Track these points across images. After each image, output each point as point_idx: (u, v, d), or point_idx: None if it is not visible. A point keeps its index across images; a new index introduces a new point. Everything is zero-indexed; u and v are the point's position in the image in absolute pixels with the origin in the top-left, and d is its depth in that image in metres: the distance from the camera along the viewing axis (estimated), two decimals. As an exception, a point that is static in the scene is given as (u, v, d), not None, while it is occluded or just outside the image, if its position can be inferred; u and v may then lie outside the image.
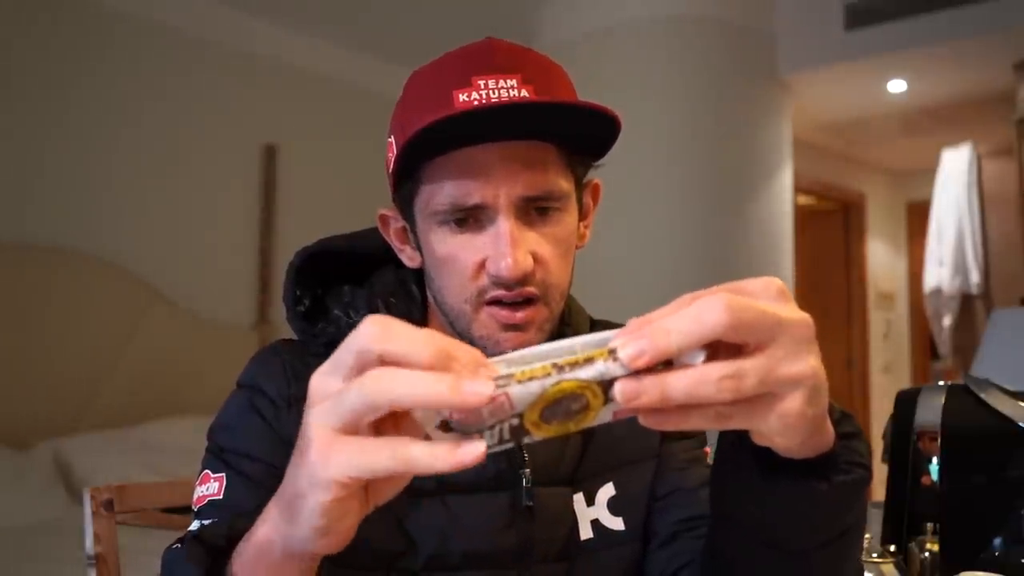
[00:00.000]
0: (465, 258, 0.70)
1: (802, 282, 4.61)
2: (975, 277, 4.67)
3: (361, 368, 0.41)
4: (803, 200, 5.30)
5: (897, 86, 4.14)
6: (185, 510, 1.10)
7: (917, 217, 5.77)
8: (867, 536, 0.91)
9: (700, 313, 0.40)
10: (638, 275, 3.42)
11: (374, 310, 0.79)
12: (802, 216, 4.89)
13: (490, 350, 0.71)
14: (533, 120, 0.68)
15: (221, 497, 0.71)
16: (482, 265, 0.70)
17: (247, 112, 3.68)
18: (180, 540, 0.66)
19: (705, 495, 0.79)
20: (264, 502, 0.51)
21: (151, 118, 3.36)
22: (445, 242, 0.71)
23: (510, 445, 0.44)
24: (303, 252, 0.82)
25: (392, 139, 0.74)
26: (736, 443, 0.55)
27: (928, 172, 5.07)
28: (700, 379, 0.40)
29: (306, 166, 3.88)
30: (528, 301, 0.71)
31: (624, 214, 3.42)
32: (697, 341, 0.40)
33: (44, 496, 2.54)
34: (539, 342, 0.71)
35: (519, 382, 0.40)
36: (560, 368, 0.41)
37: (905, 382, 5.72)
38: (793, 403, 0.43)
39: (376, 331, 0.41)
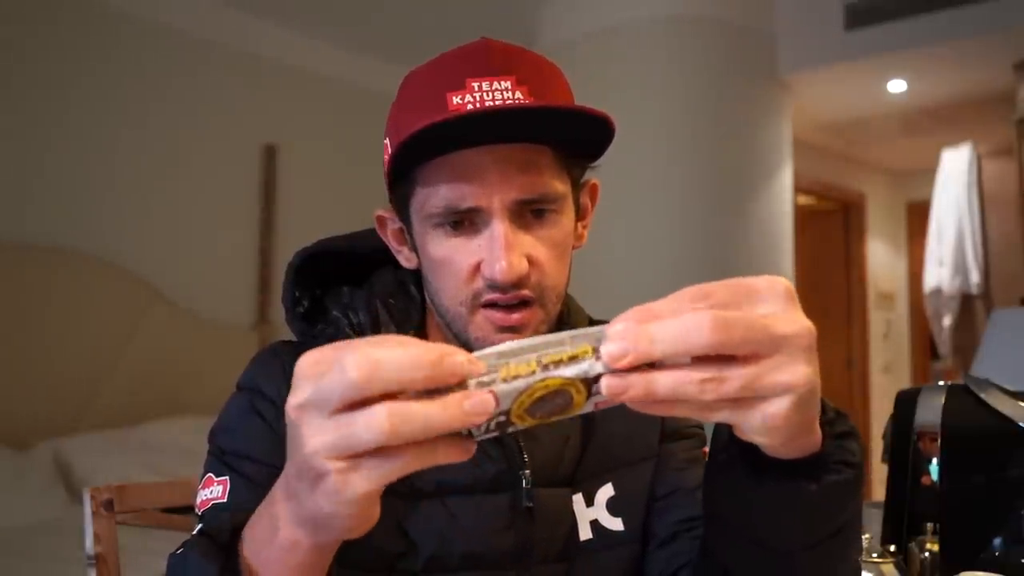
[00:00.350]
0: (460, 261, 0.70)
1: (802, 282, 4.61)
2: (975, 277, 4.67)
3: (348, 404, 0.41)
4: (803, 200, 5.30)
5: (897, 86, 4.14)
6: (185, 510, 1.10)
7: (917, 217, 5.77)
8: (867, 536, 0.91)
9: (686, 330, 0.41)
10: (638, 275, 3.42)
11: (373, 311, 0.79)
12: (802, 216, 4.89)
13: None
14: (527, 123, 0.68)
15: (225, 501, 0.71)
16: (477, 268, 0.70)
17: (247, 112, 3.68)
18: (183, 547, 0.66)
19: (704, 495, 0.80)
20: None
21: (151, 118, 3.36)
22: (440, 245, 0.71)
23: (495, 435, 0.45)
24: (302, 253, 0.81)
25: (388, 140, 0.74)
26: (727, 442, 0.55)
27: (928, 172, 5.07)
28: (684, 379, 0.42)
29: (306, 166, 3.88)
30: (523, 303, 0.71)
31: (624, 214, 3.42)
32: (681, 354, 0.42)
33: (44, 496, 2.55)
34: None
35: (504, 380, 0.42)
36: (545, 366, 0.42)
37: (905, 382, 5.72)
38: (779, 407, 0.43)
39: (364, 369, 0.41)
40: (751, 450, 0.50)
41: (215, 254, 3.56)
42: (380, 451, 0.42)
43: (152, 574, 1.68)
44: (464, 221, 0.70)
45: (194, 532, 0.69)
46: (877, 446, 1.29)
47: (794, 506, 0.52)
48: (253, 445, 0.74)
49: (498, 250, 0.68)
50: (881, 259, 5.89)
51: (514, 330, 0.71)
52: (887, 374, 5.73)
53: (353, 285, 0.82)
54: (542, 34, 3.87)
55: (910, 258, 6.01)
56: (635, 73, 3.61)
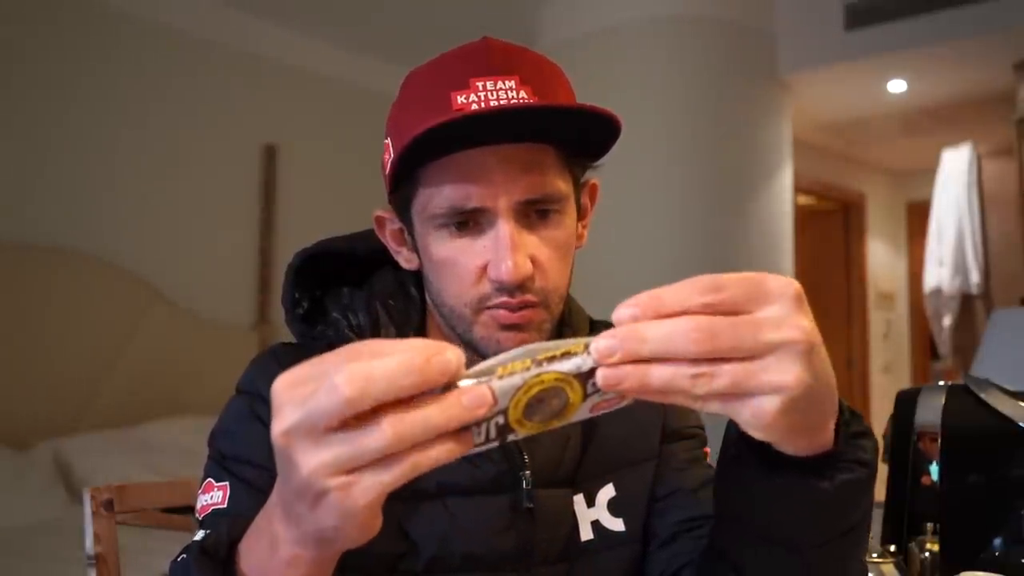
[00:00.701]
0: (465, 262, 0.70)
1: (802, 282, 4.52)
2: (975, 277, 4.67)
3: (342, 422, 0.41)
4: (803, 200, 5.30)
5: (897, 86, 4.14)
6: (185, 510, 1.10)
7: (917, 217, 5.77)
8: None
9: (676, 335, 0.42)
10: (638, 275, 3.41)
11: (372, 312, 0.79)
12: (802, 216, 4.89)
13: (491, 350, 0.71)
14: (533, 123, 0.68)
15: (225, 506, 0.71)
16: (483, 270, 0.70)
17: (247, 112, 3.68)
18: (185, 551, 0.66)
19: (705, 496, 0.80)
20: None
21: (151, 118, 3.36)
22: (444, 245, 0.71)
23: (496, 443, 0.45)
24: (302, 253, 0.81)
25: (389, 140, 0.73)
26: (737, 437, 0.55)
27: (928, 172, 5.07)
28: (677, 372, 0.43)
29: (306, 166, 3.88)
30: (527, 305, 0.70)
31: (624, 214, 3.42)
32: (668, 356, 0.43)
33: (44, 496, 2.55)
34: (538, 341, 0.72)
35: (500, 377, 0.42)
36: (539, 362, 0.43)
37: (905, 382, 5.72)
38: (768, 405, 0.44)
39: (356, 384, 0.40)
40: (763, 446, 0.50)
41: (215, 254, 3.56)
42: (379, 461, 0.41)
43: (152, 574, 1.69)
44: (469, 222, 0.70)
45: (195, 537, 0.69)
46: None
47: (806, 503, 0.52)
48: (253, 450, 0.73)
49: (504, 250, 0.68)
50: (881, 259, 5.89)
51: (518, 328, 0.71)
52: (887, 374, 5.73)
53: (353, 286, 0.82)
54: (542, 34, 3.87)
55: (910, 258, 6.01)
56: (635, 73, 3.61)
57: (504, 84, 0.68)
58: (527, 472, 0.75)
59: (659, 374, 0.43)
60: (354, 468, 0.41)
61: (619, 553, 0.79)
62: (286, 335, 0.83)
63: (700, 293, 0.44)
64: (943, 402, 1.08)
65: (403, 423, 0.41)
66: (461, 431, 0.43)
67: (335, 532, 0.44)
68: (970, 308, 4.76)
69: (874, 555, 0.91)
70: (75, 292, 3.02)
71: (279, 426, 0.42)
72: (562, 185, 0.71)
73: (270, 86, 3.77)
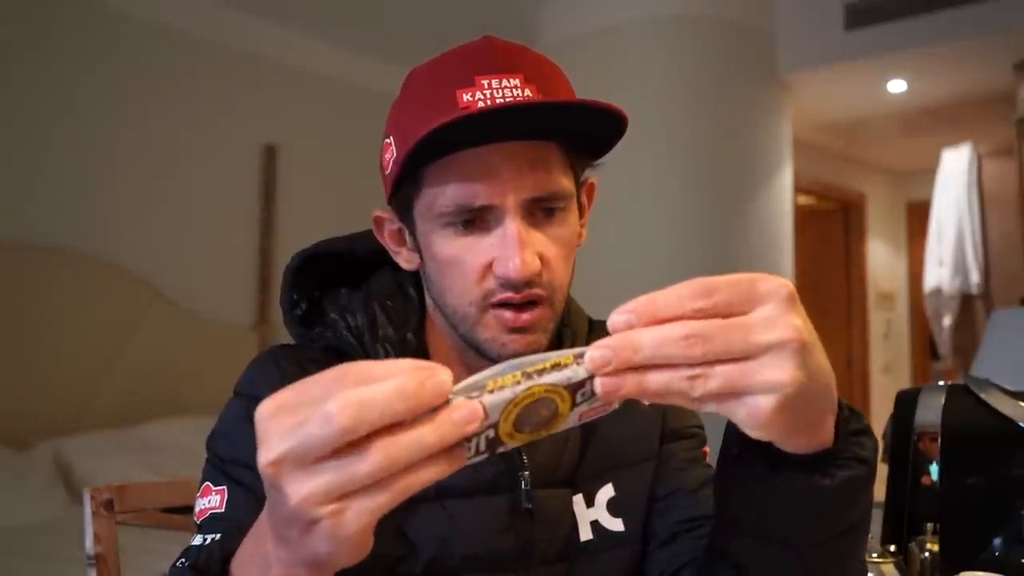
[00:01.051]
0: (471, 260, 0.70)
1: (802, 282, 4.61)
2: (975, 277, 4.67)
3: (335, 450, 0.40)
4: (803, 200, 5.30)
5: (897, 86, 4.14)
6: (185, 510, 1.10)
7: (917, 217, 5.77)
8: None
9: (668, 342, 0.43)
10: (638, 275, 3.41)
11: (370, 313, 0.78)
12: (802, 216, 4.89)
13: (496, 352, 0.71)
14: (540, 120, 0.68)
15: (223, 510, 0.71)
16: (488, 267, 0.70)
17: (247, 112, 3.68)
18: (184, 554, 0.66)
19: (704, 495, 0.80)
20: None
21: (151, 118, 3.36)
22: (449, 244, 0.70)
23: (485, 456, 0.45)
24: (300, 254, 0.81)
25: (390, 140, 0.73)
26: (740, 438, 0.55)
27: (928, 172, 5.07)
28: (673, 376, 0.44)
29: (306, 166, 3.88)
30: (533, 303, 0.70)
31: (624, 214, 3.42)
32: (662, 362, 0.43)
33: (44, 496, 2.55)
34: (544, 342, 0.72)
35: (491, 392, 0.42)
36: (529, 375, 0.43)
37: (905, 382, 5.72)
38: (762, 404, 0.44)
39: (350, 412, 0.40)
40: (763, 444, 0.50)
41: (215, 254, 3.56)
42: (370, 485, 0.41)
43: (152, 574, 1.69)
44: (475, 220, 0.69)
45: (193, 541, 0.69)
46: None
47: (806, 500, 0.53)
48: (251, 453, 0.73)
49: (512, 248, 0.68)
50: (881, 259, 5.89)
51: (524, 330, 0.70)
52: (887, 374, 5.73)
53: (352, 287, 0.82)
54: (542, 34, 3.87)
55: (910, 258, 6.01)
56: (635, 73, 3.61)
57: (509, 82, 0.68)
58: (526, 473, 0.75)
59: (656, 379, 0.44)
60: (345, 494, 0.41)
61: (619, 553, 0.78)
62: (286, 335, 0.83)
63: (692, 297, 0.44)
64: (943, 402, 1.08)
65: (395, 446, 0.40)
66: (453, 447, 0.43)
67: (328, 557, 0.43)
68: (970, 308, 4.76)
69: (874, 555, 0.91)
70: (75, 292, 3.02)
71: (266, 456, 0.42)
72: (566, 183, 0.71)
73: (270, 86, 3.77)
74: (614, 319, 0.45)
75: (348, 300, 0.80)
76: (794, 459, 0.51)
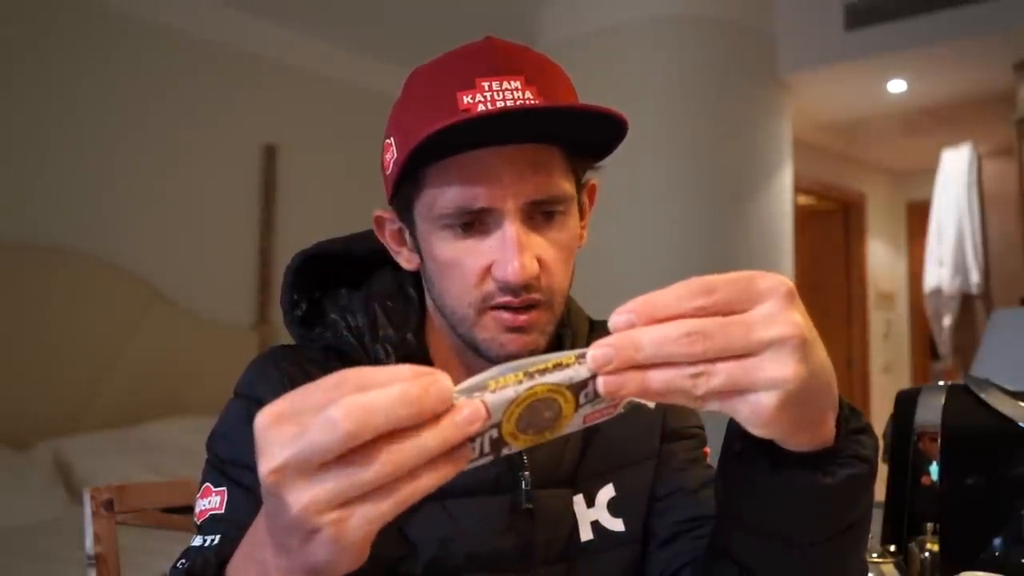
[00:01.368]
0: (470, 263, 0.70)
1: (802, 282, 4.61)
2: (975, 277, 4.67)
3: (338, 457, 0.40)
4: (803, 200, 5.29)
5: (897, 86, 4.14)
6: (185, 510, 1.10)
7: (917, 217, 5.77)
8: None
9: (669, 341, 0.43)
10: (638, 275, 3.41)
11: (371, 313, 0.78)
12: (802, 216, 4.89)
13: (494, 352, 0.71)
14: (540, 123, 0.68)
15: (223, 511, 0.71)
16: (487, 270, 0.70)
17: (247, 112, 3.68)
18: (183, 556, 0.66)
19: (704, 496, 0.80)
20: None
21: (151, 118, 3.36)
22: (448, 246, 0.70)
23: (490, 458, 0.45)
24: (300, 255, 0.81)
25: (391, 140, 0.73)
26: (742, 437, 0.55)
27: (928, 172, 5.07)
28: (676, 374, 0.44)
29: (306, 166, 3.88)
30: (531, 305, 0.70)
31: (624, 214, 3.42)
32: (663, 361, 0.43)
33: (44, 496, 2.55)
34: (543, 343, 0.72)
35: (493, 391, 0.42)
36: (531, 375, 0.43)
37: (905, 382, 5.72)
38: (765, 400, 0.44)
39: (354, 418, 0.39)
40: (765, 442, 0.50)
41: (215, 254, 3.56)
42: (373, 492, 0.41)
43: (152, 574, 1.68)
44: (475, 222, 0.69)
45: (193, 542, 0.69)
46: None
47: (807, 498, 0.53)
48: (252, 454, 0.73)
49: (511, 251, 0.68)
50: (881, 259, 5.89)
51: (522, 331, 0.71)
52: (887, 374, 5.73)
53: (352, 287, 0.82)
54: (542, 34, 3.87)
55: (910, 258, 6.01)
56: (635, 73, 3.61)
57: (510, 84, 0.67)
58: (526, 473, 0.75)
59: (658, 377, 0.44)
60: (348, 502, 0.41)
61: (619, 553, 0.79)
62: (286, 335, 0.83)
63: (692, 296, 0.44)
64: (943, 402, 1.08)
65: (399, 452, 0.40)
66: (456, 448, 0.42)
67: (328, 564, 0.43)
68: (970, 308, 4.76)
69: (874, 555, 0.91)
70: (75, 292, 3.02)
71: (267, 465, 0.41)
72: (567, 186, 0.71)
73: (270, 86, 3.77)
74: (615, 319, 0.45)
75: (348, 300, 0.80)
76: (796, 457, 0.51)
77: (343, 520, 0.41)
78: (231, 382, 0.81)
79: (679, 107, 3.59)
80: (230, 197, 3.64)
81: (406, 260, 0.78)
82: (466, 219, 0.69)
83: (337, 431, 0.39)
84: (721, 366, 0.44)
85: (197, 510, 0.73)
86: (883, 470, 1.12)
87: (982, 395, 1.06)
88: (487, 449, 0.44)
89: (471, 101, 0.67)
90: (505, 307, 0.70)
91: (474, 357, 0.74)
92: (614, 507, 0.79)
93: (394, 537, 0.72)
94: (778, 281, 0.46)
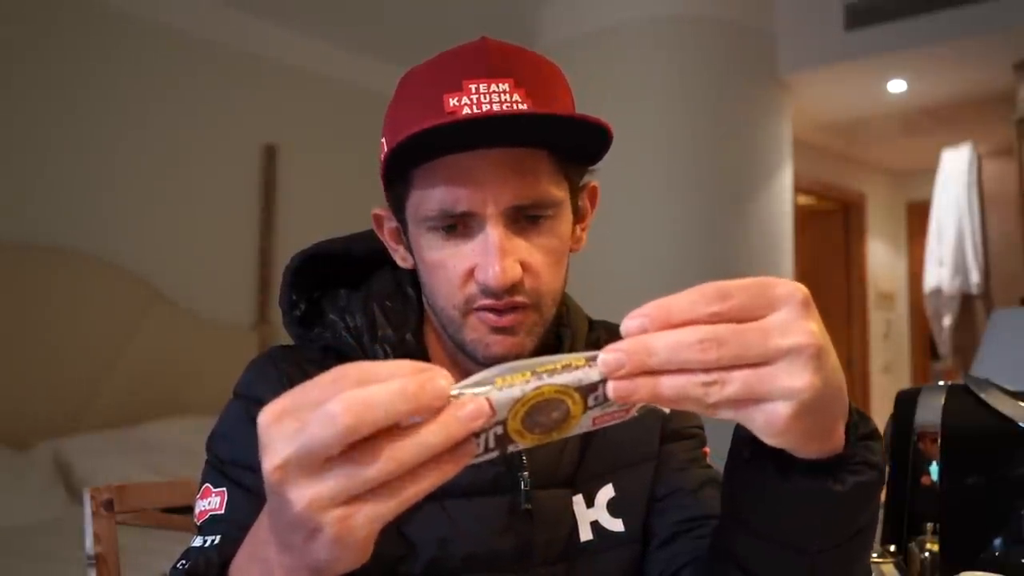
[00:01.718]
0: (454, 265, 0.70)
1: (802, 282, 4.58)
2: (975, 277, 4.67)
3: (340, 452, 0.40)
4: (803, 200, 5.29)
5: (897, 86, 4.14)
6: (185, 510, 1.10)
7: (917, 217, 5.77)
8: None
9: (683, 346, 0.43)
10: (638, 275, 3.42)
11: (369, 313, 0.79)
12: (802, 216, 4.89)
13: (480, 353, 0.71)
14: (525, 128, 0.67)
15: (223, 512, 0.71)
16: (471, 273, 0.70)
17: (247, 112, 3.68)
18: (184, 557, 0.66)
19: (704, 496, 0.80)
20: None
21: (151, 118, 3.36)
22: (434, 248, 0.71)
23: (495, 454, 0.45)
24: (299, 255, 0.81)
25: (384, 139, 0.73)
26: (750, 442, 0.55)
27: (928, 172, 5.06)
28: (688, 381, 0.43)
29: (306, 166, 3.88)
30: (516, 307, 0.70)
31: (624, 214, 3.42)
32: (676, 367, 0.43)
33: (44, 496, 2.54)
34: (530, 346, 0.71)
35: (500, 389, 0.42)
36: (539, 375, 0.43)
37: (905, 382, 5.72)
38: (782, 411, 0.44)
39: (353, 412, 0.39)
40: (775, 449, 0.50)
41: (215, 254, 3.56)
42: (377, 490, 0.41)
43: (152, 574, 1.68)
44: (458, 225, 0.69)
45: (193, 543, 0.69)
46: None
47: (817, 506, 0.52)
48: (251, 455, 0.72)
49: (491, 256, 0.67)
50: (881, 259, 5.89)
51: (507, 331, 0.70)
52: (887, 374, 5.73)
53: (351, 287, 0.82)
54: (542, 34, 3.87)
55: (910, 258, 6.01)
56: (635, 73, 3.61)
57: (498, 87, 0.67)
58: (526, 473, 0.75)
59: (670, 384, 0.43)
60: (351, 499, 0.41)
61: (618, 553, 0.78)
62: (286, 335, 0.83)
63: (707, 302, 0.44)
64: (943, 402, 1.08)
65: (403, 449, 0.40)
66: (461, 444, 0.42)
67: (331, 562, 0.43)
68: (970, 308, 4.76)
69: (874, 555, 0.91)
70: (75, 292, 3.02)
71: (271, 462, 0.41)
72: (555, 190, 0.71)
73: (270, 86, 3.77)
74: (627, 324, 0.44)
75: (347, 301, 0.80)
76: (805, 464, 0.51)
77: (347, 517, 0.41)
78: (231, 382, 0.81)
79: (679, 107, 3.59)
80: (230, 197, 3.64)
81: (402, 259, 0.79)
82: (449, 222, 0.69)
83: (336, 426, 0.39)
84: (736, 374, 0.43)
85: (197, 511, 0.73)
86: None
87: (982, 395, 1.06)
88: (492, 445, 0.44)
89: (457, 104, 0.66)
90: (489, 309, 0.70)
91: (465, 358, 0.74)
92: (614, 507, 0.79)
93: (393, 537, 0.72)
94: (794, 288, 0.45)
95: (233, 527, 0.68)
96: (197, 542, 0.69)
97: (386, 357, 0.76)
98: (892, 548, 0.94)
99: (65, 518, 2.40)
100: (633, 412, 0.47)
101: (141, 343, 3.19)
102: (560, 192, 0.71)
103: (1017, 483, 1.00)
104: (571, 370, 0.43)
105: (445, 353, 0.79)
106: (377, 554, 0.72)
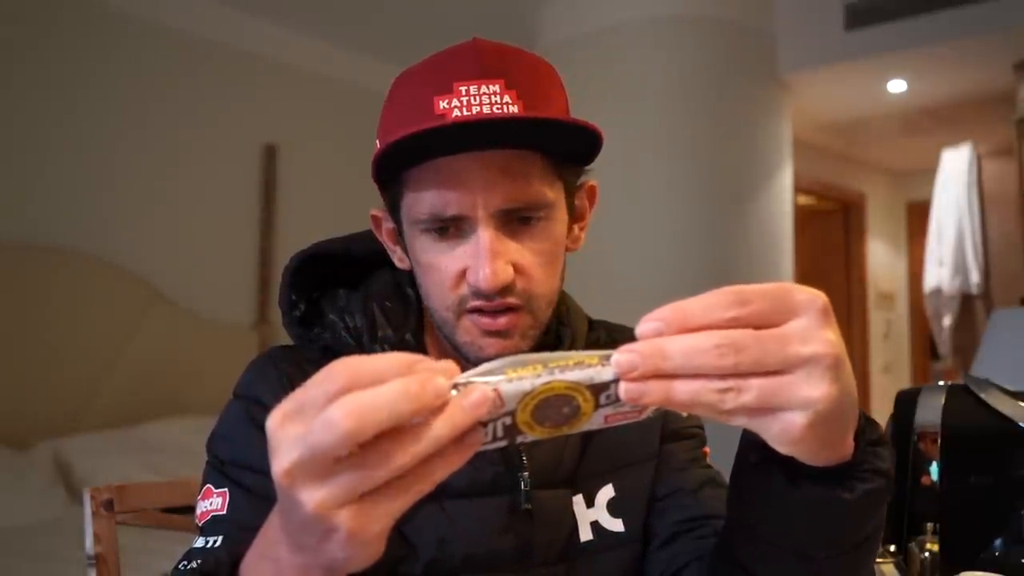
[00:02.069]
0: (446, 267, 0.70)
1: (802, 282, 4.59)
2: (975, 277, 4.67)
3: (346, 451, 0.40)
4: (803, 200, 5.29)
5: (897, 86, 4.14)
6: (185, 510, 1.10)
7: (917, 217, 5.77)
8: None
9: (699, 351, 0.42)
10: (637, 275, 3.42)
11: (369, 314, 0.79)
12: (802, 216, 4.89)
13: (474, 355, 0.71)
14: (516, 130, 0.67)
15: (225, 512, 0.71)
16: (462, 274, 0.70)
17: (247, 112, 3.68)
18: (185, 558, 0.66)
19: (704, 495, 0.80)
20: (267, 514, 0.51)
21: (151, 118, 3.36)
22: (427, 250, 0.71)
23: (503, 443, 0.45)
24: (298, 255, 0.81)
25: (378, 141, 0.73)
26: (758, 447, 0.54)
27: (928, 172, 5.06)
28: (704, 387, 0.42)
29: (306, 166, 3.88)
30: (509, 309, 0.70)
31: (624, 214, 3.42)
32: (691, 372, 0.42)
33: (44, 496, 2.54)
34: (524, 348, 0.71)
35: (509, 380, 0.42)
36: (550, 370, 0.42)
37: (905, 382, 5.72)
38: (798, 420, 0.43)
39: (353, 417, 0.39)
40: (784, 456, 0.49)
41: (215, 254, 3.56)
42: (387, 485, 0.41)
43: (152, 574, 1.68)
44: (450, 227, 0.69)
45: (195, 544, 0.69)
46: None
47: (826, 514, 0.52)
48: (251, 454, 0.73)
49: (482, 258, 0.67)
50: (881, 259, 5.89)
51: (500, 335, 0.70)
52: (887, 374, 5.73)
53: (350, 287, 0.82)
54: (542, 34, 3.87)
55: (910, 258, 6.01)
56: (635, 73, 3.60)
57: (488, 89, 0.67)
58: (525, 473, 0.75)
59: (684, 388, 0.42)
60: (361, 497, 0.41)
61: (618, 553, 0.78)
62: (286, 336, 0.83)
63: (725, 307, 0.43)
64: (943, 402, 1.08)
65: (410, 444, 0.40)
66: (469, 433, 0.42)
67: (345, 561, 0.43)
68: (970, 308, 4.76)
69: (874, 555, 0.91)
70: (75, 292, 3.02)
71: (279, 465, 0.41)
72: (547, 192, 0.70)
73: (270, 86, 3.77)
74: (643, 327, 0.44)
75: (347, 301, 0.80)
76: (814, 471, 0.50)
77: (358, 516, 0.41)
78: (231, 382, 0.81)
79: (679, 107, 3.58)
80: (230, 197, 3.64)
81: (400, 259, 0.79)
82: (440, 225, 0.69)
83: (338, 431, 0.39)
84: (753, 382, 0.42)
85: (198, 511, 0.73)
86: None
87: (982, 395, 1.06)
88: (500, 434, 0.44)
89: (446, 107, 0.66)
90: (481, 311, 0.70)
91: (460, 360, 0.74)
92: (614, 507, 0.79)
93: (393, 538, 0.72)
94: (814, 295, 0.45)
95: (235, 527, 0.68)
96: (199, 543, 0.69)
97: (385, 358, 0.76)
98: (892, 548, 0.94)
99: (65, 518, 2.40)
100: (647, 413, 0.46)
101: (141, 343, 3.19)
102: (553, 193, 0.71)
103: (1017, 483, 1.00)
104: (583, 367, 0.43)
105: (444, 353, 0.79)
106: (377, 555, 0.72)
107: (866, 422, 0.53)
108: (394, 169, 0.70)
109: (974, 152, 4.77)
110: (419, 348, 0.79)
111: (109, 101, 3.23)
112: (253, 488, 0.71)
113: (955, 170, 4.78)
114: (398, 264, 0.79)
